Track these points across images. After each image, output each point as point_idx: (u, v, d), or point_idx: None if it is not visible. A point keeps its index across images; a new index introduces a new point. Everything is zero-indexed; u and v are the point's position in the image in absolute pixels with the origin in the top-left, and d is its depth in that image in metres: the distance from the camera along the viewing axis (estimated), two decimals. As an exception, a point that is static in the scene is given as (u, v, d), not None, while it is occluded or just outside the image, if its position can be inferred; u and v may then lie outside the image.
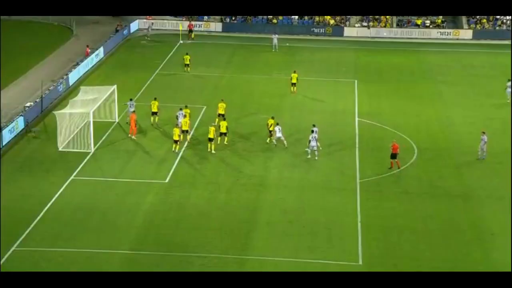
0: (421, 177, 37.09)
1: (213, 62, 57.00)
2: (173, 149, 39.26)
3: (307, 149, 38.58)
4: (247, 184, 36.07)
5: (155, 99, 43.78)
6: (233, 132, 42.00)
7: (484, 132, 38.87)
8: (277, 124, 40.37)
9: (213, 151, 38.91)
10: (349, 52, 61.78)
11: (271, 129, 39.98)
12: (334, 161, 38.96)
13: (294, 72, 49.80)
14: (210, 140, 39.15)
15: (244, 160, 38.82)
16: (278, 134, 39.86)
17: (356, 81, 53.23)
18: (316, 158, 38.46)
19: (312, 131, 38.59)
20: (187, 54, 54.18)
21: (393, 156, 37.34)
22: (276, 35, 60.25)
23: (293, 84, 49.46)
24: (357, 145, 41.07)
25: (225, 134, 40.10)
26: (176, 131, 39.26)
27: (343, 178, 36.83)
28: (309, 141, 38.44)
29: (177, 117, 41.28)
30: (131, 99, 44.37)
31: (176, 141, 39.23)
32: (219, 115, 42.90)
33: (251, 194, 34.90)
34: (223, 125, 40.15)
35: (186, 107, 42.44)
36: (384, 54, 61.35)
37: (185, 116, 41.17)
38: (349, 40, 65.53)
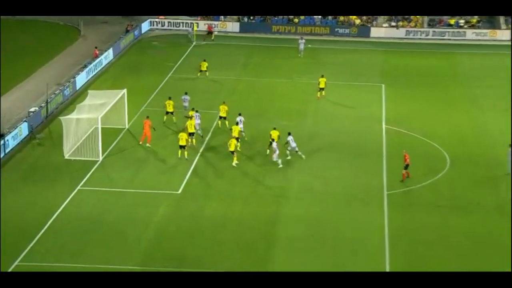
0: (453, 189, 37.00)
1: (230, 64, 57.29)
2: (179, 156, 39.44)
3: (287, 151, 39.45)
4: (266, 195, 36.21)
5: (170, 98, 44.21)
6: (251, 140, 42.21)
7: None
8: (240, 116, 41.56)
9: (234, 164, 38.90)
10: (376, 54, 61.77)
11: (275, 139, 40.06)
12: (359, 171, 38.97)
13: (322, 76, 49.78)
14: (233, 153, 39.02)
15: (263, 170, 38.98)
16: (240, 125, 41.10)
17: (383, 85, 53.18)
18: (304, 156, 39.37)
19: (289, 134, 39.61)
20: (204, 60, 54.05)
21: (406, 167, 37.26)
22: (303, 40, 59.94)
23: (321, 89, 49.49)
24: (384, 154, 41.06)
25: (237, 138, 40.42)
26: (184, 136, 39.48)
27: (369, 190, 36.83)
28: (287, 143, 39.29)
29: (191, 118, 41.96)
30: (186, 93, 45.78)
31: (182, 147, 39.38)
32: (221, 117, 43.49)
33: (270, 207, 35.03)
34: (236, 129, 40.52)
35: (193, 109, 43.05)
36: (414, 56, 61.28)
37: (191, 118, 41.79)
38: (376, 41, 65.55)
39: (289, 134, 39.87)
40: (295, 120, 46.11)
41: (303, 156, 39.51)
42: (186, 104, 45.73)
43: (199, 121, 42.56)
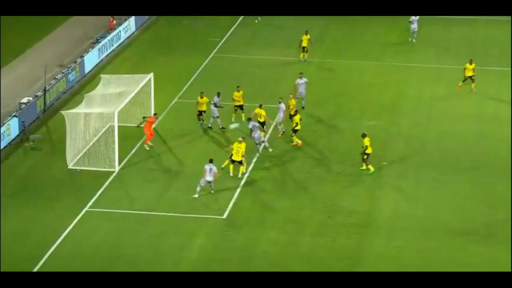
0: None
1: (296, 40, 57.45)
2: (231, 174, 39.70)
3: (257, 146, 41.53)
4: (345, 224, 36.34)
5: (238, 88, 45.08)
6: (324, 146, 42.43)
7: None
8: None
9: (239, 175, 39.62)
10: (504, 25, 61.22)
11: (369, 151, 39.90)
12: (478, 192, 38.79)
13: (471, 62, 49.14)
14: (235, 162, 39.41)
15: (341, 188, 39.17)
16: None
17: (515, 70, 52.92)
18: (270, 150, 41.72)
19: (249, 119, 42.46)
20: (306, 33, 54.31)
21: None
22: (417, 18, 58.70)
23: (468, 79, 48.87)
24: (515, 171, 40.86)
25: (296, 131, 41.99)
26: (241, 148, 39.24)
27: (492, 221, 36.56)
28: (250, 132, 41.32)
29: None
30: (301, 74, 47.05)
31: (236, 162, 39.54)
32: (291, 115, 43.80)
33: (350, 240, 35.15)
34: (296, 120, 41.86)
35: (261, 106, 43.57)
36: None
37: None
38: (506, 8, 64.93)
39: (249, 120, 42.27)
40: (386, 118, 46.10)
41: (270, 149, 41.77)
42: (302, 90, 46.40)
43: (217, 114, 43.90)
